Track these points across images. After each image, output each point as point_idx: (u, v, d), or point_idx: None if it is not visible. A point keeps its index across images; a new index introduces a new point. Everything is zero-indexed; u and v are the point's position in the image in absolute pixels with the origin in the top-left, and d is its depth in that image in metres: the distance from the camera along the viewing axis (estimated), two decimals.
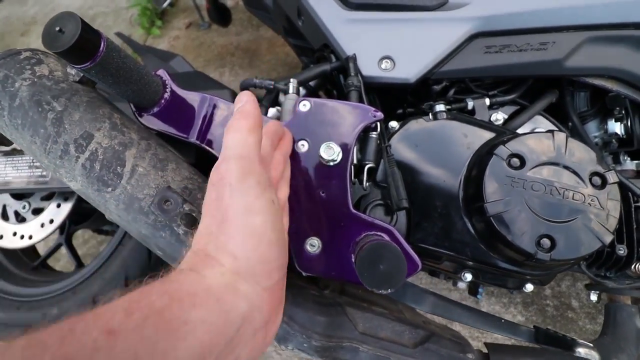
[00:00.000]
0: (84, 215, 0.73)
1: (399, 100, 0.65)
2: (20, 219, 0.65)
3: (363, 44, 0.57)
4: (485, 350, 0.47)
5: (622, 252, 0.52)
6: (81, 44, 0.32)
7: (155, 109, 0.44)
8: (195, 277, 0.24)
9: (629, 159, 0.61)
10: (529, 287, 0.50)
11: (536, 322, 0.86)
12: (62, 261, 1.16)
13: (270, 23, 0.89)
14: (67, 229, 0.71)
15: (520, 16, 0.53)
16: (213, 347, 0.21)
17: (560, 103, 0.60)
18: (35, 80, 0.38)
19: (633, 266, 0.55)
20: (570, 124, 0.59)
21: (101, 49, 0.34)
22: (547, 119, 0.58)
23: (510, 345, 0.48)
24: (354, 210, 0.44)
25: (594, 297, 0.60)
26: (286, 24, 0.77)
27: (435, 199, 0.48)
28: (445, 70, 0.55)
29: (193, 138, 0.45)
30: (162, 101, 0.44)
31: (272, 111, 0.58)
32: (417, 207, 0.48)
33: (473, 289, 0.57)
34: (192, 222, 0.37)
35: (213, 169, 0.30)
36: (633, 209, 0.54)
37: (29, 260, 0.77)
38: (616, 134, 0.58)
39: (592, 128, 0.62)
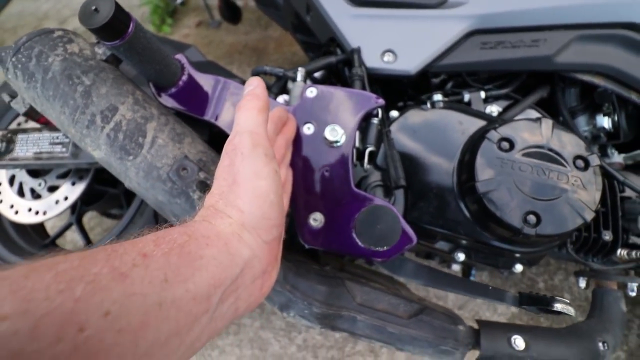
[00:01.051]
0: (95, 196, 0.76)
1: (399, 92, 0.68)
2: (36, 195, 0.68)
3: (367, 38, 0.60)
4: (476, 327, 0.50)
5: (607, 237, 0.55)
6: (113, 23, 0.35)
7: (173, 89, 0.48)
8: (208, 225, 0.27)
9: (616, 152, 0.64)
10: (519, 267, 0.53)
11: (528, 314, 0.88)
12: (65, 247, 1.19)
13: (279, 20, 0.93)
14: (78, 209, 0.74)
15: (514, 15, 0.57)
16: (221, 282, 0.24)
17: (551, 98, 0.63)
18: (67, 56, 0.41)
19: (618, 252, 0.58)
20: (560, 118, 0.62)
21: (130, 28, 0.37)
22: (538, 112, 0.62)
23: (500, 322, 0.51)
24: (355, 189, 0.47)
25: (582, 283, 0.62)
26: (295, 20, 0.80)
27: (431, 181, 0.51)
28: (443, 64, 0.59)
29: (207, 116, 0.49)
30: (180, 82, 0.48)
31: (280, 99, 0.62)
32: (414, 188, 0.52)
33: (466, 271, 0.60)
34: (206, 188, 0.40)
35: (227, 141, 0.33)
36: (618, 198, 0.57)
37: (39, 238, 0.80)
38: (604, 128, 0.61)
39: (581, 122, 0.65)
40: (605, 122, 0.61)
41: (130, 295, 0.19)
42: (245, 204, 0.29)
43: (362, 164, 0.53)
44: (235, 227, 0.28)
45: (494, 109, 0.61)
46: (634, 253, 0.56)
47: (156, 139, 0.41)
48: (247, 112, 0.33)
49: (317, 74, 0.70)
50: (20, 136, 0.60)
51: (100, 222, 1.27)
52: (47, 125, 0.61)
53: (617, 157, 0.64)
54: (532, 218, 0.43)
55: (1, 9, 2.85)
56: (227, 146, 0.32)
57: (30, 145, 0.58)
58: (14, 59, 0.41)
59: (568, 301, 0.41)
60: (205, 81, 0.50)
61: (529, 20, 0.57)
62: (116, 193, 0.75)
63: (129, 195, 0.77)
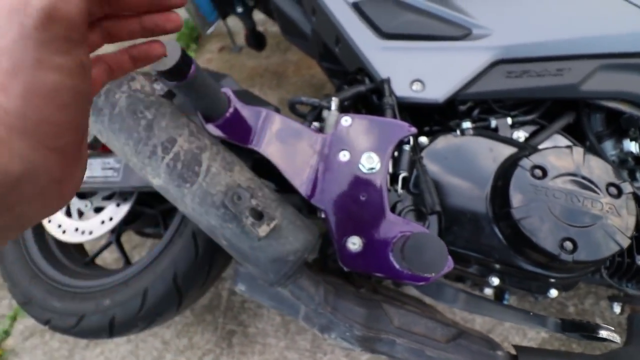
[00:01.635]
0: (133, 216, 0.80)
1: (426, 118, 0.71)
2: (82, 216, 0.73)
3: (396, 69, 0.64)
4: (513, 352, 0.50)
5: None
6: (178, 67, 0.40)
7: (221, 120, 0.52)
8: None
9: None
10: (553, 292, 0.53)
11: (559, 339, 0.86)
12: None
13: (305, 49, 0.98)
14: (117, 228, 0.78)
15: (538, 45, 0.59)
16: None
17: (577, 123, 0.65)
18: (131, 93, 0.46)
19: None
20: (587, 143, 0.64)
21: (192, 70, 0.41)
22: (565, 137, 0.63)
23: (537, 348, 0.51)
24: (391, 213, 0.50)
25: (617, 308, 0.62)
26: (322, 50, 0.85)
27: (464, 206, 0.53)
28: (470, 92, 0.61)
29: (251, 145, 0.52)
30: (227, 114, 0.51)
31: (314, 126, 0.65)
32: (447, 213, 0.53)
33: (499, 296, 0.60)
34: (259, 215, 0.43)
35: None
36: None
37: (80, 256, 0.84)
38: (632, 152, 0.62)
39: (608, 147, 0.66)
40: (632, 146, 0.62)
41: None
42: (12, 102, 0.20)
43: (395, 189, 0.55)
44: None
45: (520, 135, 0.63)
46: None
47: (210, 167, 0.45)
48: None
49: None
50: None
51: (128, 239, 1.31)
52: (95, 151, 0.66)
53: None
54: (568, 244, 0.44)
55: None
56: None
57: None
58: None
59: (613, 328, 0.41)
60: (249, 112, 0.53)
61: (552, 51, 0.59)
62: (153, 213, 0.79)
63: (165, 215, 0.81)
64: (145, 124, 0.44)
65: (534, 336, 0.89)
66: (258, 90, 1.69)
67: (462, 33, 0.63)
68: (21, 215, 0.21)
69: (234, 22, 1.90)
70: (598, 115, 0.65)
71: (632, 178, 0.65)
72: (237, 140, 0.52)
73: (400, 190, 0.55)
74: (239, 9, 1.10)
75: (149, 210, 0.79)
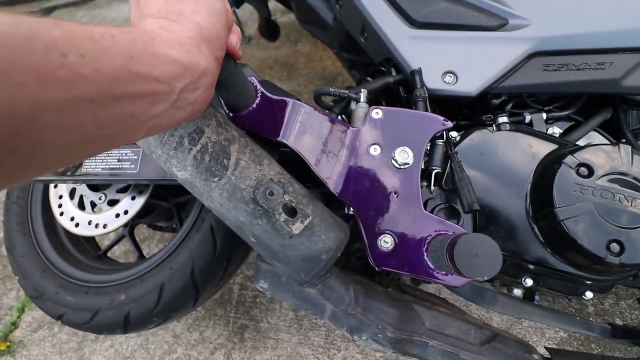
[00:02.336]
0: (147, 210, 0.78)
1: (454, 111, 0.69)
2: (96, 209, 0.71)
3: (427, 59, 0.61)
4: (547, 355, 0.49)
5: None
6: None
7: (246, 111, 0.49)
8: (168, 33, 0.28)
9: None
10: (589, 294, 0.51)
11: (579, 339, 0.85)
12: None
13: (324, 38, 0.95)
14: (130, 222, 0.76)
15: (579, 38, 0.56)
16: (183, 78, 0.27)
17: (613, 120, 0.62)
18: None
19: None
20: (623, 140, 0.61)
21: (222, 62, 0.39)
22: (602, 135, 0.61)
23: (571, 351, 0.49)
24: (426, 211, 0.47)
25: None
26: (344, 39, 0.82)
27: (501, 205, 0.50)
28: (504, 85, 0.59)
29: (279, 138, 0.50)
30: (254, 104, 0.49)
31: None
32: (483, 211, 0.51)
33: (528, 297, 0.58)
34: (293, 212, 0.40)
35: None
36: None
37: (92, 249, 0.82)
38: None
39: None
40: None
41: (101, 52, 0.21)
42: (203, 20, 0.30)
43: (427, 186, 0.53)
44: (195, 39, 0.29)
45: (555, 131, 0.60)
46: None
47: (239, 160, 0.42)
48: None
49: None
50: None
51: (136, 231, 1.29)
52: None
53: None
54: (615, 246, 0.42)
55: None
56: None
57: (99, 161, 0.61)
58: None
59: None
60: (277, 103, 0.51)
61: (593, 43, 0.56)
62: (168, 206, 0.77)
63: (179, 208, 0.79)
64: None
65: (552, 335, 0.87)
66: None
67: (497, 23, 0.60)
68: (196, 100, 0.30)
69: (242, 13, 1.86)
70: (636, 111, 0.63)
71: None
72: (265, 133, 0.50)
73: (433, 187, 0.53)
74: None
75: (163, 203, 0.76)
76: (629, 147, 0.45)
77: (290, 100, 0.51)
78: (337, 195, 0.50)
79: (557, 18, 0.58)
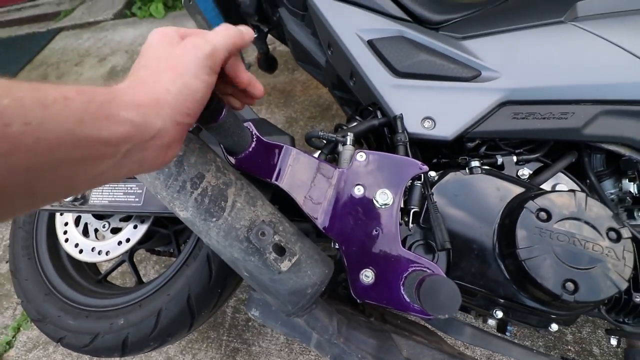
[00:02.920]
0: (147, 236, 0.82)
1: (434, 151, 0.75)
2: (99, 235, 0.75)
3: (408, 106, 0.67)
4: None
5: (638, 299, 0.58)
6: (212, 112, 0.43)
7: (243, 155, 0.55)
8: (133, 93, 0.30)
9: None
10: (554, 326, 0.56)
11: None
12: None
13: (317, 76, 1.02)
14: (130, 247, 0.80)
15: (544, 90, 0.63)
16: (132, 139, 0.28)
17: (579, 162, 0.68)
18: None
19: None
20: (588, 181, 0.67)
21: (223, 114, 0.44)
22: (567, 176, 0.67)
23: None
24: (403, 248, 0.52)
25: (613, 341, 0.64)
26: (335, 80, 0.89)
27: (472, 243, 0.55)
28: (477, 131, 0.65)
29: (272, 179, 0.55)
30: (250, 149, 0.54)
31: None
32: (456, 248, 0.56)
33: (502, 327, 0.62)
34: (282, 251, 0.45)
35: (189, 34, 0.37)
36: None
37: (93, 274, 0.85)
38: (630, 192, 0.66)
39: (608, 185, 0.70)
40: (631, 187, 0.66)
41: (49, 118, 0.22)
42: (174, 90, 0.32)
43: (406, 224, 0.58)
44: (157, 101, 0.30)
45: (525, 172, 0.66)
46: None
47: (235, 202, 0.47)
48: (226, 32, 0.37)
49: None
50: None
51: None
52: None
53: None
54: (570, 285, 0.47)
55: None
56: (189, 40, 0.35)
57: (106, 194, 0.66)
58: None
59: None
60: (271, 147, 0.56)
61: (557, 95, 0.62)
62: (167, 233, 0.82)
63: (177, 235, 0.84)
64: (175, 159, 0.47)
65: None
66: (266, 109, 1.74)
67: (472, 74, 0.67)
68: (143, 159, 0.31)
69: None
70: (599, 155, 0.69)
71: (630, 217, 0.69)
72: (259, 175, 0.55)
73: (411, 225, 0.58)
74: (254, 34, 1.15)
75: (162, 230, 0.81)
76: (584, 195, 0.51)
77: (283, 146, 0.57)
78: (323, 231, 0.55)
79: (524, 71, 0.64)
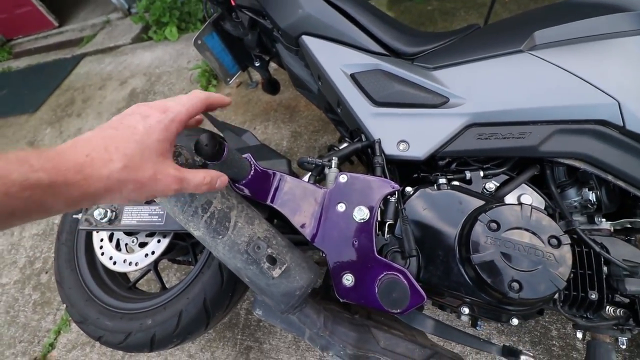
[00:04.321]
0: (169, 248, 0.96)
1: (414, 168, 0.84)
2: (129, 249, 0.89)
3: (385, 131, 0.78)
4: None
5: (594, 297, 0.66)
6: (215, 153, 0.55)
7: (244, 181, 0.66)
8: (98, 173, 0.33)
9: (604, 220, 0.75)
10: (515, 321, 0.64)
11: None
12: None
13: (313, 101, 1.14)
14: (155, 259, 0.94)
15: (503, 113, 0.72)
16: (85, 199, 0.33)
17: (542, 174, 0.76)
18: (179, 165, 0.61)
19: (607, 309, 0.68)
20: (547, 191, 0.75)
21: (225, 154, 0.56)
22: (530, 187, 0.75)
23: None
24: (378, 256, 0.62)
25: (579, 334, 0.72)
26: (327, 105, 1.00)
27: (438, 249, 0.65)
28: (447, 151, 0.74)
29: (268, 202, 0.66)
30: (249, 176, 0.66)
31: (305, 177, 0.80)
32: (425, 254, 0.66)
33: (473, 322, 0.71)
34: (274, 261, 0.57)
35: (153, 105, 0.40)
36: (602, 262, 0.68)
37: (124, 281, 0.99)
38: (590, 200, 0.73)
39: (572, 194, 0.77)
40: (590, 195, 0.73)
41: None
42: (130, 151, 0.35)
43: (383, 234, 0.68)
44: (115, 163, 0.34)
45: (492, 185, 0.75)
46: (619, 311, 0.66)
47: (237, 223, 0.59)
48: (188, 102, 0.43)
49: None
50: (126, 208, 0.81)
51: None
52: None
53: (605, 224, 0.75)
54: (515, 285, 0.55)
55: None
56: (151, 110, 0.39)
57: (135, 215, 0.79)
58: None
59: (532, 354, 0.52)
60: (266, 175, 0.68)
61: (516, 117, 0.71)
62: (185, 245, 0.94)
63: (194, 246, 0.96)
64: None
65: None
66: (272, 124, 1.87)
67: (441, 101, 0.76)
68: (126, 196, 0.36)
69: None
70: (560, 167, 0.77)
71: (591, 222, 0.76)
72: (257, 198, 0.67)
73: (387, 235, 0.68)
74: (257, 63, 1.28)
75: (181, 242, 0.94)
76: (529, 207, 0.60)
77: (277, 173, 0.68)
78: (311, 243, 0.66)
79: (486, 97, 0.73)
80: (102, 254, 0.90)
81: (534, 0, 2.04)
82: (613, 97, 0.64)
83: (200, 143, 0.55)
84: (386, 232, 0.68)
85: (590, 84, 0.67)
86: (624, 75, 0.66)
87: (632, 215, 0.74)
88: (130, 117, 0.38)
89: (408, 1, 2.31)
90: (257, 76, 2.15)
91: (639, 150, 0.64)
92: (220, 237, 0.58)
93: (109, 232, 0.91)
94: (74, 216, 0.96)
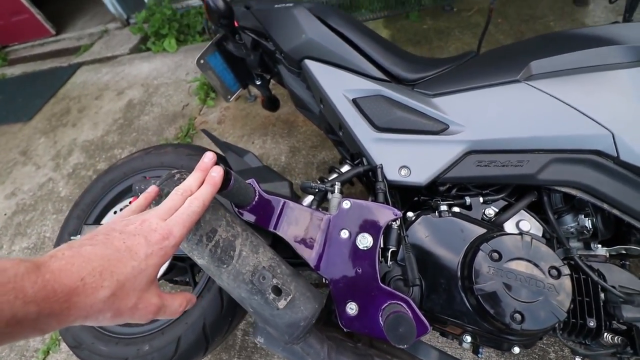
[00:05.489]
0: (167, 269, 0.94)
1: (415, 192, 0.85)
2: None
3: (387, 157, 0.79)
4: None
5: (592, 324, 0.67)
6: (223, 183, 0.55)
7: (248, 208, 0.66)
8: (76, 282, 0.30)
9: (600, 246, 0.77)
10: (516, 349, 0.65)
11: None
12: None
13: (314, 121, 1.15)
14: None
15: (502, 141, 0.73)
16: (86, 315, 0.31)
17: (539, 201, 0.78)
18: None
19: (605, 336, 0.68)
20: (544, 217, 0.76)
21: (232, 184, 0.57)
22: (529, 214, 0.76)
23: None
24: (381, 284, 0.63)
25: (578, 359, 0.72)
26: (328, 127, 1.01)
27: (440, 277, 0.65)
28: (447, 177, 0.75)
29: (271, 228, 0.67)
30: (253, 202, 0.66)
31: (307, 200, 0.80)
32: (427, 282, 0.66)
33: (475, 349, 0.72)
34: (279, 291, 0.56)
35: (158, 227, 0.39)
36: (599, 289, 0.69)
37: None
38: (586, 227, 0.75)
39: (569, 220, 0.79)
40: (586, 222, 0.75)
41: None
42: (123, 277, 0.33)
43: (386, 261, 0.69)
44: (105, 282, 0.32)
45: (491, 211, 0.76)
46: (617, 338, 0.67)
47: (242, 252, 0.59)
48: (188, 216, 0.43)
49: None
50: None
51: None
52: None
53: (601, 250, 0.76)
54: (517, 316, 0.56)
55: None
56: (148, 227, 0.38)
57: None
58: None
59: None
60: (270, 201, 0.68)
61: (514, 145, 0.73)
62: (184, 266, 0.93)
63: (193, 267, 0.95)
64: None
65: None
66: (270, 139, 1.87)
67: (440, 128, 0.78)
68: (98, 323, 0.34)
69: None
70: (557, 194, 0.79)
71: (588, 248, 0.78)
72: (261, 224, 0.67)
73: (390, 262, 0.68)
74: (258, 82, 1.29)
75: (180, 263, 0.93)
76: (530, 237, 0.61)
77: (280, 199, 0.69)
78: (314, 270, 0.66)
79: (485, 125, 0.75)
80: None
81: (525, 22, 2.11)
82: (607, 129, 0.67)
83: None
84: (389, 258, 0.68)
85: (585, 115, 0.69)
86: (617, 107, 0.68)
87: (627, 242, 0.76)
88: (133, 238, 0.37)
89: (404, 20, 2.37)
90: (255, 90, 2.17)
91: (632, 180, 0.66)
92: (225, 266, 0.58)
93: None
94: (72, 238, 0.94)
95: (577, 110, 0.70)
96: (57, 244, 1.00)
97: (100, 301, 0.31)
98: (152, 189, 0.54)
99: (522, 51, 0.86)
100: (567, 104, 0.71)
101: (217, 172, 0.50)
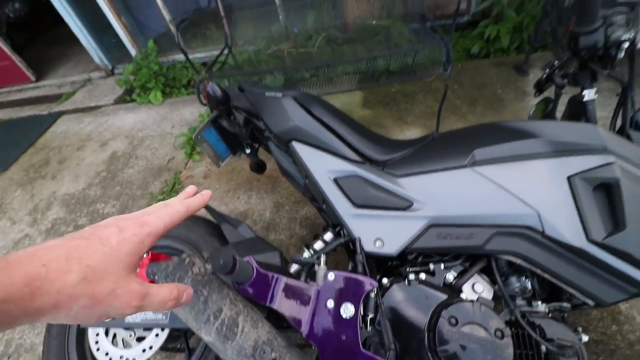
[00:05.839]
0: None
1: (388, 258, 0.99)
2: (126, 344, 0.92)
3: (364, 230, 0.93)
4: None
5: None
6: (231, 269, 0.66)
7: (247, 283, 0.77)
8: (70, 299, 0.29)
9: (540, 302, 0.93)
10: None
11: None
12: None
13: (299, 189, 1.29)
14: (153, 352, 0.97)
15: (455, 217, 0.90)
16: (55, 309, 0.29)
17: (489, 266, 0.94)
18: (194, 277, 0.71)
19: None
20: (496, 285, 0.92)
21: (237, 268, 0.68)
22: (481, 277, 0.92)
23: None
24: (363, 349, 0.74)
25: None
26: (312, 197, 1.16)
27: (411, 340, 0.78)
28: (414, 247, 0.90)
29: (267, 303, 0.77)
30: (251, 279, 0.77)
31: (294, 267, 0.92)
32: (401, 344, 0.78)
33: None
34: None
35: (131, 217, 0.38)
36: (541, 344, 0.83)
37: None
38: (527, 287, 0.91)
39: (514, 281, 0.95)
40: (527, 283, 0.91)
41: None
42: (95, 263, 0.32)
43: (366, 327, 0.80)
44: (69, 291, 0.30)
45: (450, 276, 0.91)
46: None
47: (244, 328, 0.69)
48: (165, 219, 0.39)
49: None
50: None
51: None
52: None
53: (541, 307, 0.92)
54: None
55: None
56: (130, 227, 0.36)
57: (139, 313, 0.85)
58: (166, 279, 0.71)
59: None
60: (265, 277, 0.80)
61: (465, 221, 0.90)
62: (179, 334, 1.00)
63: (187, 334, 1.02)
64: (202, 299, 0.69)
65: None
66: (255, 194, 1.99)
67: (406, 205, 0.94)
68: (74, 315, 0.32)
69: None
70: (503, 261, 0.95)
71: (529, 304, 0.93)
72: (258, 299, 0.77)
73: (369, 327, 0.80)
74: (247, 150, 1.44)
75: (176, 332, 0.99)
76: (479, 303, 0.76)
77: (275, 275, 0.80)
78: (305, 338, 0.77)
79: (441, 203, 0.92)
80: (98, 349, 0.93)
81: (477, 88, 2.46)
82: (534, 208, 0.85)
83: (217, 260, 0.66)
84: (368, 324, 0.80)
85: (517, 197, 0.87)
86: (541, 190, 0.87)
87: (560, 300, 0.92)
88: (105, 228, 0.35)
89: (375, 83, 2.67)
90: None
91: (556, 251, 0.84)
92: (230, 342, 0.68)
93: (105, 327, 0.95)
94: None
95: (511, 193, 0.89)
96: None
97: (70, 285, 0.29)
98: None
99: (467, 137, 1.06)
100: (503, 187, 0.89)
101: (207, 193, 0.50)
